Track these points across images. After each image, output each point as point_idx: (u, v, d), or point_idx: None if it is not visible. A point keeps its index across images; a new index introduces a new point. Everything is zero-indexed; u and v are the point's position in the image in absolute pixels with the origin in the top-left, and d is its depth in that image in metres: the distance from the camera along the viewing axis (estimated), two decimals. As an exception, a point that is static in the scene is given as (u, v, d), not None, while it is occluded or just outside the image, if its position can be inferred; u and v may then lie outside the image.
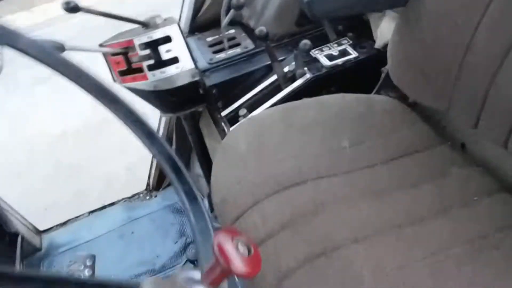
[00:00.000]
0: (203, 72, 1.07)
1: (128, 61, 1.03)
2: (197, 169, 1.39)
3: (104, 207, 1.63)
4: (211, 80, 1.05)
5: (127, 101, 0.43)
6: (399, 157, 0.75)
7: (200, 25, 1.22)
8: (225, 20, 1.05)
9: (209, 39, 1.16)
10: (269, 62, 1.04)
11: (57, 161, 2.13)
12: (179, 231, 1.48)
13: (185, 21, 1.20)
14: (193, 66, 1.03)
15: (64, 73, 0.43)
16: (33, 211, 1.72)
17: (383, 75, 1.02)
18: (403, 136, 0.79)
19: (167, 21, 1.04)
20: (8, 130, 2.41)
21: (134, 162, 1.92)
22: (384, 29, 0.98)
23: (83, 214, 1.62)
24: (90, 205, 1.65)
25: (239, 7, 0.97)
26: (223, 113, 1.05)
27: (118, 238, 1.50)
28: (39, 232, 1.56)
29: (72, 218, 1.61)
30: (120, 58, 1.03)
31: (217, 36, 1.16)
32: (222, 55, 1.10)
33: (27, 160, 2.19)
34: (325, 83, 1.02)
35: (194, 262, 1.33)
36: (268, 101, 1.00)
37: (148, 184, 1.65)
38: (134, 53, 1.01)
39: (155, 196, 1.63)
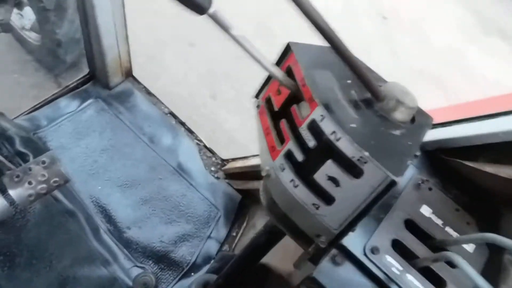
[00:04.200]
0: (337, 235, 0.52)
1: (285, 109, 0.52)
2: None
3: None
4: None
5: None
6: None
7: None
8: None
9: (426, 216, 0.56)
10: None
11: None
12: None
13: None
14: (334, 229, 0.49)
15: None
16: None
17: None
18: None
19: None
20: None
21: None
22: None
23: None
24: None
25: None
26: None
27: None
28: None
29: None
30: (285, 90, 0.52)
31: (440, 226, 0.55)
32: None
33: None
34: None
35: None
36: None
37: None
38: (296, 116, 0.49)
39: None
